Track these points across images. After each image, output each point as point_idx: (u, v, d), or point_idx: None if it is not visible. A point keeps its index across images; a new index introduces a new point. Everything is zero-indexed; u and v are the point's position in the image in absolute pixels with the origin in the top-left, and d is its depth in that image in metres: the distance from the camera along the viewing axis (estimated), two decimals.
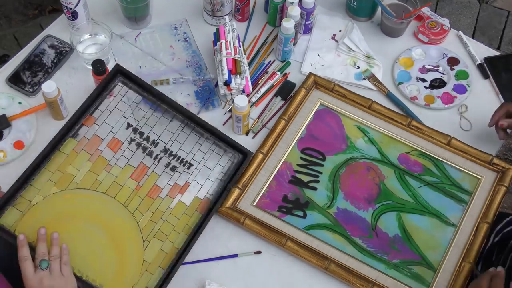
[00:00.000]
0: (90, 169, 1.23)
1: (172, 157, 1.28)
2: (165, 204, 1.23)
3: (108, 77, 1.31)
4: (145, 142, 1.28)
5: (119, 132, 1.28)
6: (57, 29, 1.48)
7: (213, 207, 1.22)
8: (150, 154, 1.27)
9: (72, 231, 1.17)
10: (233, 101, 1.30)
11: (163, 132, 1.29)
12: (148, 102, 1.31)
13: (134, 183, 1.24)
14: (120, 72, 1.32)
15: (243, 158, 1.28)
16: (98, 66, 1.31)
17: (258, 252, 1.21)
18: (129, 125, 1.29)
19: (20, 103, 1.35)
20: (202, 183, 1.26)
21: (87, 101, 1.28)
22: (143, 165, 1.26)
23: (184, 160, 1.27)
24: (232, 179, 1.25)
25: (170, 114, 1.31)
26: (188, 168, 1.27)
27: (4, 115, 1.31)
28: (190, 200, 1.24)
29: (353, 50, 1.47)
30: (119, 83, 1.32)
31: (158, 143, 1.28)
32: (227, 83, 1.34)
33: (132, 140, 1.28)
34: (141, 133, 1.29)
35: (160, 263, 1.17)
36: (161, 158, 1.27)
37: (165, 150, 1.28)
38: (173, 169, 1.26)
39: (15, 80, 1.38)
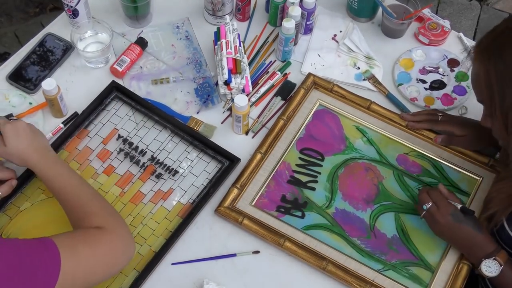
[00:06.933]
0: None
1: (159, 165, 1.29)
2: (146, 210, 1.24)
3: (104, 93, 1.35)
4: (133, 151, 1.30)
5: (109, 143, 1.31)
6: (58, 27, 1.48)
7: (194, 211, 1.23)
8: (137, 162, 1.29)
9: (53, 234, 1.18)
10: (232, 101, 1.30)
11: (152, 142, 1.32)
12: (140, 114, 1.34)
13: (118, 189, 1.26)
14: (116, 88, 1.37)
15: (230, 164, 1.28)
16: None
17: (257, 252, 1.21)
18: (119, 136, 1.32)
19: (30, 103, 1.35)
20: (186, 189, 1.27)
21: (81, 116, 1.32)
22: (129, 173, 1.28)
23: (170, 168, 1.29)
24: (216, 184, 1.26)
25: (161, 125, 1.33)
26: (173, 175, 1.28)
27: (11, 114, 1.32)
28: (172, 206, 1.25)
29: (353, 51, 1.47)
30: (115, 99, 1.36)
31: (146, 152, 1.30)
32: (227, 83, 1.34)
33: (121, 150, 1.30)
34: (131, 144, 1.31)
35: (135, 266, 1.17)
36: (147, 166, 1.28)
37: (152, 159, 1.30)
38: (158, 176, 1.28)
39: (15, 77, 1.38)
